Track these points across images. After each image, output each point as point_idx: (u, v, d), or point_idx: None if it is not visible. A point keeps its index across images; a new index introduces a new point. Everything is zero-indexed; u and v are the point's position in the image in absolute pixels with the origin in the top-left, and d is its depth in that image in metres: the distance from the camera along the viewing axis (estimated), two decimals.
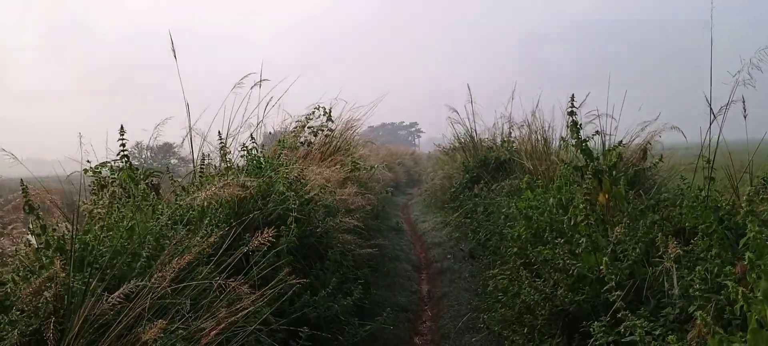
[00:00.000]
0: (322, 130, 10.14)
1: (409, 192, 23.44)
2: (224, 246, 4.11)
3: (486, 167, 12.20)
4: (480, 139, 14.22)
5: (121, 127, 4.65)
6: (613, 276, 3.63)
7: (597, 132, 6.16)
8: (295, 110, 10.11)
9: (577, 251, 4.89)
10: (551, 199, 6.45)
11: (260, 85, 6.13)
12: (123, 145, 4.77)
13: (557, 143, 10.94)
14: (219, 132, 6.08)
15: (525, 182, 7.19)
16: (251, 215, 5.15)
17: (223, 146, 6.03)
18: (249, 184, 5.36)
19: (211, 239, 4.04)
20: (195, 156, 6.16)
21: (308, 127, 9.87)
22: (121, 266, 3.71)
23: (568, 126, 5.72)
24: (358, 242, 7.01)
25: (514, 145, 12.90)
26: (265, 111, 6.60)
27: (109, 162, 5.16)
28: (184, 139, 5.61)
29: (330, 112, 10.24)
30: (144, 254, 3.64)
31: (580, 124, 5.70)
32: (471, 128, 14.11)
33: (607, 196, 5.52)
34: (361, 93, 12.89)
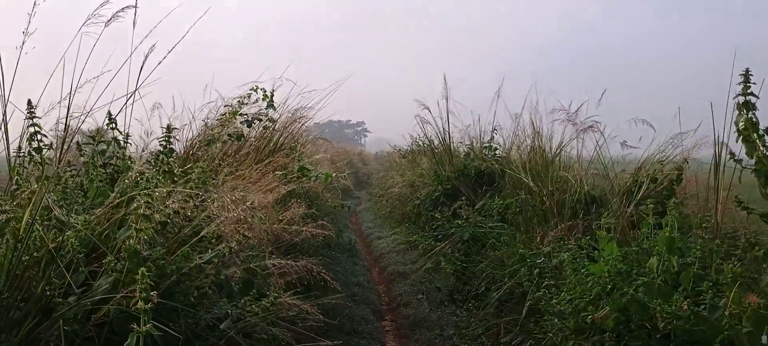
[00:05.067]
0: (260, 120, 7.06)
1: (358, 195, 20.39)
2: None
3: (467, 179, 9.21)
4: (450, 143, 11.26)
5: None
6: None
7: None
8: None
9: None
10: (654, 259, 3.46)
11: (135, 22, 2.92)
12: None
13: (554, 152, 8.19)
14: (29, 101, 2.87)
15: (603, 225, 4.11)
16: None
17: (34, 134, 2.80)
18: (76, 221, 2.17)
19: None
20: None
21: (241, 115, 6.79)
22: None
23: (737, 129, 2.73)
24: (299, 306, 3.88)
25: (497, 152, 10.01)
26: (140, 72, 3.38)
27: None
28: None
29: (272, 96, 7.17)
30: None
31: (765, 130, 2.70)
32: (444, 129, 11.09)
33: None
34: (310, 84, 9.69)
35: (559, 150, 8.18)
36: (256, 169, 5.58)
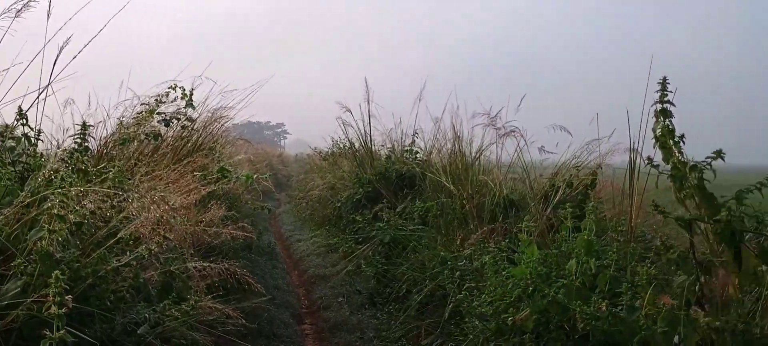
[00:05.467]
0: (179, 119, 6.85)
1: (278, 197, 20.08)
2: None
3: (388, 182, 9.20)
4: (372, 146, 11.21)
5: None
6: None
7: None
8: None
9: None
10: (573, 262, 3.54)
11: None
12: None
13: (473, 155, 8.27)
14: None
15: (523, 227, 4.17)
16: None
17: None
18: None
19: None
20: None
21: (158, 114, 6.56)
22: None
23: (655, 136, 2.81)
24: (220, 310, 3.78)
25: (418, 155, 10.05)
26: (54, 66, 3.20)
27: None
28: None
29: (191, 95, 6.97)
30: None
31: (681, 137, 2.79)
32: (365, 132, 11.03)
33: (738, 280, 2.64)
34: (231, 84, 9.43)
35: (478, 154, 8.24)
36: (174, 170, 5.40)
